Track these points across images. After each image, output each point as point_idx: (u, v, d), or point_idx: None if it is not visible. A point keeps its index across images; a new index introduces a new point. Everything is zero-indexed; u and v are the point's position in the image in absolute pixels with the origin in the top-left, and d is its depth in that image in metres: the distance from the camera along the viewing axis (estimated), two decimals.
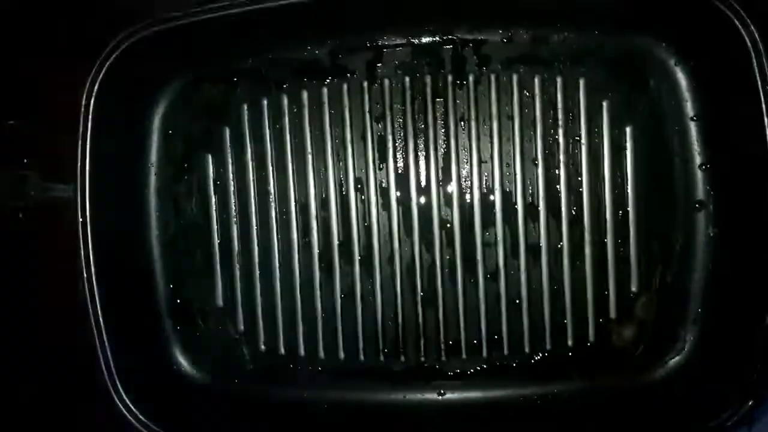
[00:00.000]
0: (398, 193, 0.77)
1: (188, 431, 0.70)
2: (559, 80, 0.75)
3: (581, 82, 0.75)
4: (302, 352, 0.79)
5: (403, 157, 0.77)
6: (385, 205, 0.78)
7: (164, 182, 0.79)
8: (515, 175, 0.76)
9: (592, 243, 0.75)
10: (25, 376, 0.78)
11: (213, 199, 0.79)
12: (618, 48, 0.74)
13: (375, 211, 0.78)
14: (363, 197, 0.78)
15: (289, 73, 0.78)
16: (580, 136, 0.75)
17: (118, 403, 0.69)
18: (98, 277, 0.70)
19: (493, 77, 0.76)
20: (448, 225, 0.77)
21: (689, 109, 0.73)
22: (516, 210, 0.76)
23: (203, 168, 0.79)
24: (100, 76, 0.69)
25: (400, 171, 0.77)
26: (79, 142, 0.69)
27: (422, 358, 0.78)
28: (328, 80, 0.78)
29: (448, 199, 0.77)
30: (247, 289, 0.79)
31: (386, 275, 0.78)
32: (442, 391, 0.77)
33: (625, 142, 0.74)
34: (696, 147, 0.73)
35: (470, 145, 0.76)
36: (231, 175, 0.79)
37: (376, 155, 0.77)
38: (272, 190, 0.79)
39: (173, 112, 0.78)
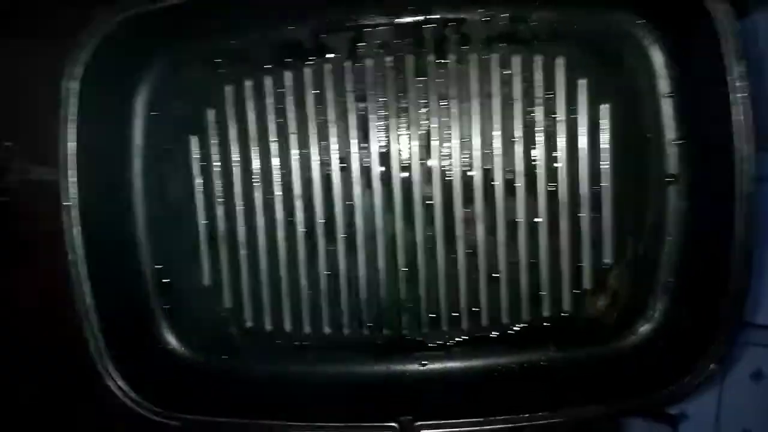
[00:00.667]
0: (380, 172, 0.78)
1: (180, 409, 0.71)
2: (538, 59, 0.76)
3: (560, 61, 0.75)
4: (288, 327, 0.81)
5: (385, 137, 0.78)
6: (368, 183, 0.78)
7: (149, 164, 0.79)
8: (494, 152, 0.77)
9: (568, 217, 0.77)
10: (9, 358, 0.78)
11: (197, 180, 0.80)
12: (595, 27, 0.75)
13: (358, 190, 0.78)
14: (345, 176, 0.78)
15: (271, 54, 0.78)
16: (557, 114, 0.76)
17: (110, 384, 0.71)
18: (86, 259, 0.70)
19: (473, 57, 0.76)
20: (429, 202, 0.78)
21: (664, 86, 0.74)
22: (495, 186, 0.77)
23: (187, 149, 0.79)
24: (82, 58, 0.68)
25: (382, 150, 0.78)
26: (62, 126, 0.69)
27: (404, 331, 0.80)
28: (310, 60, 0.77)
29: (429, 177, 0.78)
30: (233, 267, 0.80)
31: (369, 252, 0.79)
32: (424, 362, 0.79)
33: (601, 119, 0.75)
34: (670, 123, 0.74)
35: (451, 124, 0.77)
36: (215, 156, 0.79)
37: (359, 134, 0.78)
38: (256, 171, 0.79)
39: (156, 94, 0.78)
